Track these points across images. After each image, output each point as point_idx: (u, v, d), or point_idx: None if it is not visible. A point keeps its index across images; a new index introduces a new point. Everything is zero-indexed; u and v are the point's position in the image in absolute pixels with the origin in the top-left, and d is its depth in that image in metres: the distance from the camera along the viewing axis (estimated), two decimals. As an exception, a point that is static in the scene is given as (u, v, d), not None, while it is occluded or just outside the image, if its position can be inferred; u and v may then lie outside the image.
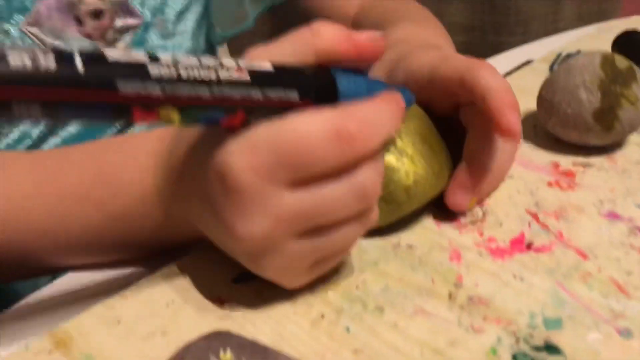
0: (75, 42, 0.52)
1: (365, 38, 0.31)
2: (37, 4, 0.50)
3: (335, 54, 0.30)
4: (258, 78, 0.28)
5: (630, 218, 0.40)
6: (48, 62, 0.23)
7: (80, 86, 0.24)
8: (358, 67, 0.32)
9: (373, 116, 0.30)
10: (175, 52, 0.28)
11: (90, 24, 0.52)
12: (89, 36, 0.53)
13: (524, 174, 0.45)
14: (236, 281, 0.36)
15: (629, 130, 0.44)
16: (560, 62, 0.61)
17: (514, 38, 1.52)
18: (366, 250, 0.38)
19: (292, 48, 0.30)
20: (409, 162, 0.37)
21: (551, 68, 0.61)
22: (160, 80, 0.25)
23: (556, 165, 0.46)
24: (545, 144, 0.48)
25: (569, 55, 0.63)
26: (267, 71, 0.29)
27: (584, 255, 0.37)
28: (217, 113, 0.28)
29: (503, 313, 0.33)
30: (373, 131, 0.29)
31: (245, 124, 0.29)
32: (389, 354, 0.31)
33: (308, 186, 0.29)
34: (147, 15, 0.56)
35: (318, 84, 0.30)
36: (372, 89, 0.32)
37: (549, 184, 0.43)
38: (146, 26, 0.56)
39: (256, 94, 0.28)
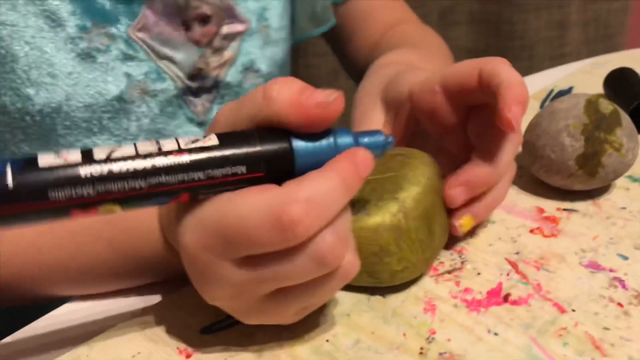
0: (182, 49, 0.52)
1: (318, 102, 0.29)
2: (144, 9, 0.50)
3: (285, 122, 0.29)
4: (198, 159, 0.27)
5: (611, 269, 0.39)
6: None
7: (12, 201, 0.24)
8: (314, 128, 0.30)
9: (321, 194, 0.28)
10: (110, 144, 0.28)
11: (197, 30, 0.52)
12: (196, 42, 0.53)
13: (507, 219, 0.44)
14: (203, 332, 0.36)
15: (613, 176, 0.43)
16: (552, 99, 0.61)
17: (519, 63, 1.52)
18: (340, 301, 0.37)
19: (247, 111, 0.30)
20: (406, 249, 0.36)
21: (542, 106, 0.60)
22: (90, 180, 0.25)
23: (540, 210, 0.45)
24: (530, 188, 0.47)
25: (561, 93, 0.62)
26: (212, 146, 0.28)
27: (561, 309, 0.36)
28: (160, 199, 0.28)
29: (474, 371, 0.32)
30: (320, 212, 0.28)
31: (194, 198, 0.29)
32: (354, 415, 0.31)
33: (257, 262, 0.29)
34: (252, 20, 0.56)
35: (270, 155, 0.29)
36: (336, 145, 0.30)
37: (532, 231, 0.43)
38: (251, 32, 0.56)
39: (198, 175, 0.27)
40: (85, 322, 0.38)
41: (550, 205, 0.45)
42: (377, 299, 0.37)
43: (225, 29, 0.54)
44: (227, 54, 0.55)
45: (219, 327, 0.36)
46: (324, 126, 0.30)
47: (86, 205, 0.25)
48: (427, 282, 0.39)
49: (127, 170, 0.26)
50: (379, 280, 0.37)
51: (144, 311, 0.38)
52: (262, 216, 0.27)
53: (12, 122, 0.49)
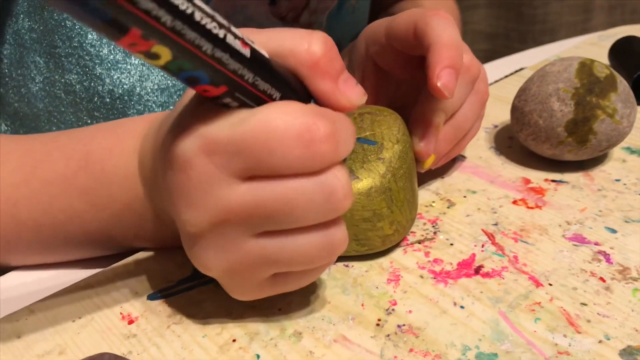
0: (266, 26, 0.45)
1: (349, 96, 0.28)
2: None
3: (314, 93, 0.28)
4: (255, 62, 0.25)
5: (596, 242, 0.36)
6: None
7: None
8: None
9: (345, 125, 0.27)
10: None
11: (284, 4, 0.47)
12: (282, 18, 0.47)
13: (489, 190, 0.41)
14: (150, 298, 0.34)
15: (606, 145, 0.40)
16: (553, 71, 0.57)
17: (539, 47, 1.47)
18: (298, 269, 0.35)
19: (285, 50, 0.27)
20: (397, 211, 0.34)
21: (541, 77, 0.57)
22: (175, 10, 0.22)
23: (526, 181, 0.42)
24: (519, 159, 0.44)
25: (563, 64, 0.58)
26: (265, 58, 0.26)
27: (537, 283, 0.33)
28: (203, 76, 0.24)
29: (432, 345, 0.30)
30: (344, 137, 0.27)
31: (219, 100, 0.26)
32: (296, 387, 0.28)
33: (268, 180, 0.26)
34: None
35: (299, 97, 0.28)
36: None
37: (514, 202, 0.40)
38: (340, 4, 0.50)
39: (248, 75, 0.25)
40: (32, 290, 0.36)
41: (538, 176, 0.42)
42: (339, 268, 0.35)
43: (315, 2, 0.47)
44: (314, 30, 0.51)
45: (166, 294, 0.34)
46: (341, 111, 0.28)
47: (152, 31, 0.21)
48: (394, 252, 0.36)
49: (205, 25, 0.23)
50: (369, 247, 0.35)
51: (91, 278, 0.35)
52: (291, 123, 0.25)
53: (78, 103, 0.44)
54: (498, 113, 0.50)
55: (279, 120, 0.25)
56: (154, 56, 0.22)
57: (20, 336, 0.32)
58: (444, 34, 0.34)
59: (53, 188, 0.34)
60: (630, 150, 0.44)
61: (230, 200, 0.26)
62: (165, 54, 0.22)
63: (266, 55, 0.26)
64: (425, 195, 0.41)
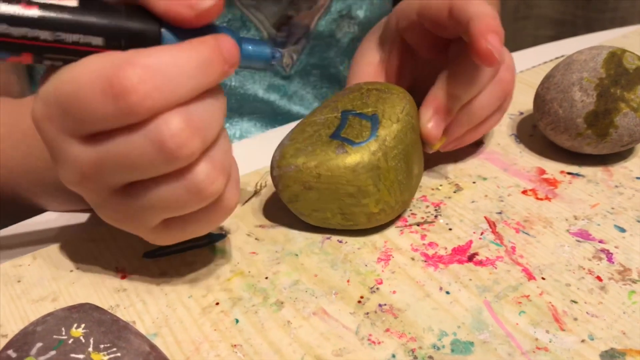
0: None
1: (190, 4, 0.25)
2: None
3: (155, 10, 0.26)
4: (50, 17, 0.24)
5: (601, 240, 0.34)
6: None
7: None
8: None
9: (166, 64, 0.24)
10: None
11: None
12: None
13: (501, 177, 0.40)
14: (145, 256, 0.35)
15: (629, 140, 0.38)
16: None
17: (607, 37, 1.41)
18: (292, 240, 0.35)
19: None
20: (385, 191, 0.34)
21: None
22: None
23: (541, 172, 0.40)
24: (538, 148, 0.43)
25: (607, 54, 0.56)
26: (69, 7, 0.24)
27: (530, 275, 0.32)
28: (1, 53, 0.24)
29: (409, 327, 0.29)
30: (161, 84, 0.24)
31: (43, 64, 0.25)
32: (268, 354, 0.28)
33: (99, 139, 0.25)
34: None
35: (133, 34, 0.25)
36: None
37: (524, 192, 0.38)
38: None
39: (44, 35, 0.24)
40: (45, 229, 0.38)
41: (554, 167, 0.41)
42: (332, 243, 0.35)
43: None
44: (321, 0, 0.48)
45: (161, 253, 0.35)
46: (194, 26, 0.26)
47: None
48: (390, 232, 0.36)
49: None
50: (354, 222, 0.35)
51: (95, 231, 0.37)
52: (93, 79, 0.24)
53: None
54: (526, 100, 0.48)
55: (84, 77, 0.24)
56: None
57: (21, 280, 0.33)
58: (485, 9, 0.34)
59: (30, 138, 0.36)
60: (659, 148, 0.42)
61: (78, 160, 0.26)
62: None
63: (72, 4, 0.24)
64: (433, 178, 0.40)
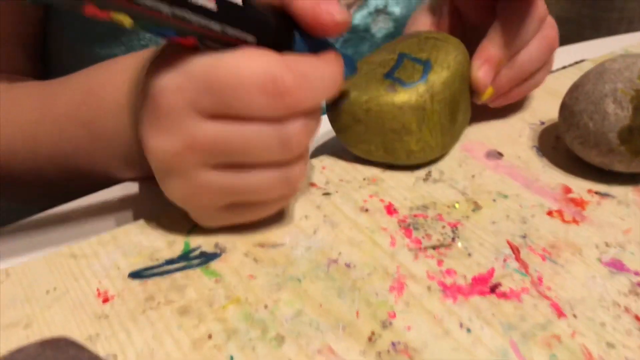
0: None
1: (335, 17, 0.29)
2: None
3: (298, 18, 0.29)
4: (224, 11, 0.26)
5: (637, 271, 0.31)
6: None
7: None
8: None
9: (314, 74, 0.29)
10: None
11: None
12: None
13: (523, 195, 0.36)
14: (132, 276, 0.31)
15: (665, 158, 0.35)
16: (618, 66, 0.51)
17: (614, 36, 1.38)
18: (295, 262, 0.32)
19: None
20: (426, 131, 0.36)
21: (603, 71, 0.51)
22: None
23: (567, 190, 0.37)
24: (563, 162, 0.39)
25: (631, 59, 0.52)
26: (236, 6, 0.27)
27: (560, 312, 0.29)
28: (169, 31, 0.26)
29: (427, 371, 0.26)
30: (310, 90, 0.28)
31: (195, 46, 0.27)
32: (266, 400, 0.25)
33: (231, 121, 0.28)
34: None
35: (276, 35, 0.29)
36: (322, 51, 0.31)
37: (549, 213, 0.35)
38: None
39: (215, 26, 0.26)
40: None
41: (581, 186, 0.37)
42: (339, 267, 0.31)
43: None
44: None
45: (149, 274, 0.31)
46: (326, 34, 0.29)
47: (104, 3, 0.23)
48: (404, 255, 0.32)
49: None
50: (395, 157, 0.37)
51: (75, 246, 0.33)
52: (258, 74, 0.27)
53: None
54: (548, 108, 0.45)
55: (247, 69, 0.27)
56: (117, 21, 0.24)
57: (-10, 302, 0.30)
58: None
59: (62, 121, 0.37)
60: (693, 167, 0.39)
61: (194, 133, 0.28)
62: (125, 19, 0.24)
63: (238, 1, 0.27)
64: (449, 194, 0.37)
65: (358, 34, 0.53)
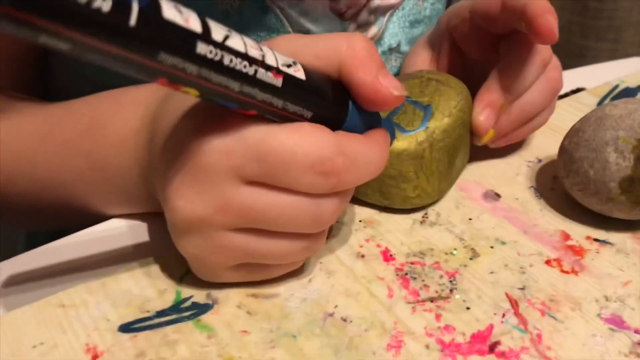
0: (323, 21, 0.45)
1: (391, 90, 0.29)
2: None
3: (354, 90, 0.29)
4: (287, 88, 0.26)
5: (637, 329, 0.31)
6: (104, 3, 0.19)
7: (124, 41, 0.20)
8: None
9: (364, 158, 0.29)
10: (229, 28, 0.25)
11: (344, 1, 0.45)
12: (340, 15, 0.46)
13: (521, 242, 0.36)
14: (122, 329, 0.30)
15: (666, 209, 0.35)
16: (615, 98, 0.51)
17: (602, 44, 1.38)
18: (290, 315, 0.31)
19: (321, 52, 0.29)
20: (424, 179, 0.36)
21: (600, 103, 0.50)
22: (201, 60, 0.22)
23: (565, 236, 0.36)
24: (561, 205, 0.39)
25: (628, 91, 0.52)
26: (299, 81, 0.27)
27: (560, 374, 0.28)
28: (233, 104, 0.26)
29: None
30: (357, 173, 0.29)
31: (255, 115, 0.27)
32: None
33: (270, 190, 0.28)
34: None
35: (332, 109, 0.29)
36: (370, 124, 0.31)
37: (548, 262, 0.35)
38: (404, 6, 0.48)
39: (279, 103, 0.26)
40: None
41: (580, 232, 0.37)
42: (335, 321, 0.31)
43: (377, 1, 0.46)
44: (373, 30, 0.48)
45: (140, 327, 0.30)
46: (380, 108, 0.29)
47: (178, 79, 0.23)
48: (402, 308, 0.31)
49: (234, 68, 0.24)
50: (391, 201, 0.37)
51: (64, 294, 0.32)
52: (311, 154, 0.27)
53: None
54: (544, 144, 0.45)
55: (301, 147, 0.27)
56: (185, 93, 0.24)
57: (-26, 358, 0.28)
58: None
59: (63, 150, 0.37)
60: (692, 212, 0.38)
61: (230, 198, 0.27)
62: (193, 92, 0.24)
63: (301, 77, 0.27)
64: (447, 239, 0.36)
65: None
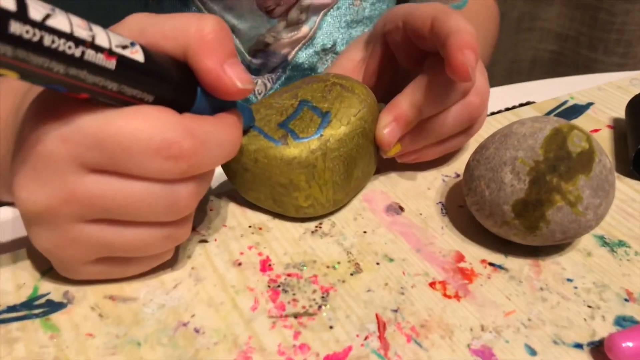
0: (249, 18, 0.44)
1: (233, 77, 0.27)
2: None
3: (201, 75, 0.27)
4: (123, 70, 0.25)
5: (504, 365, 0.29)
6: None
7: None
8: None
9: (214, 140, 0.28)
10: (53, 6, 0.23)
11: None
12: (268, 12, 0.44)
13: (410, 261, 0.34)
14: None
15: (562, 237, 0.32)
16: (559, 114, 0.49)
17: (610, 58, 1.34)
18: (142, 321, 0.30)
19: (168, 33, 0.27)
20: (316, 188, 0.34)
21: (541, 119, 0.48)
22: (15, 40, 0.21)
23: (459, 258, 0.34)
24: (465, 224, 0.37)
25: (576, 108, 0.50)
26: (137, 64, 0.25)
27: (407, 406, 0.27)
28: (61, 87, 0.24)
29: None
30: (208, 156, 0.27)
31: (88, 99, 0.25)
32: None
33: (116, 177, 0.26)
34: None
35: (177, 94, 0.27)
36: (223, 107, 0.30)
37: (432, 284, 0.33)
38: (339, 6, 0.47)
39: (112, 85, 0.25)
40: None
41: (476, 254, 0.35)
42: (187, 331, 0.29)
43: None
44: (304, 29, 0.47)
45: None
46: (228, 97, 0.28)
47: None
48: (261, 323, 0.30)
49: (56, 49, 0.22)
50: (284, 209, 0.36)
51: None
52: (153, 137, 0.25)
53: None
54: (467, 159, 0.42)
55: (143, 132, 0.25)
56: (3, 76, 0.22)
57: None
58: (465, 26, 0.33)
59: None
60: (603, 241, 0.36)
61: (74, 188, 0.26)
62: (12, 74, 0.22)
63: (139, 59, 0.25)
64: (333, 252, 0.34)
65: (302, 72, 0.51)
